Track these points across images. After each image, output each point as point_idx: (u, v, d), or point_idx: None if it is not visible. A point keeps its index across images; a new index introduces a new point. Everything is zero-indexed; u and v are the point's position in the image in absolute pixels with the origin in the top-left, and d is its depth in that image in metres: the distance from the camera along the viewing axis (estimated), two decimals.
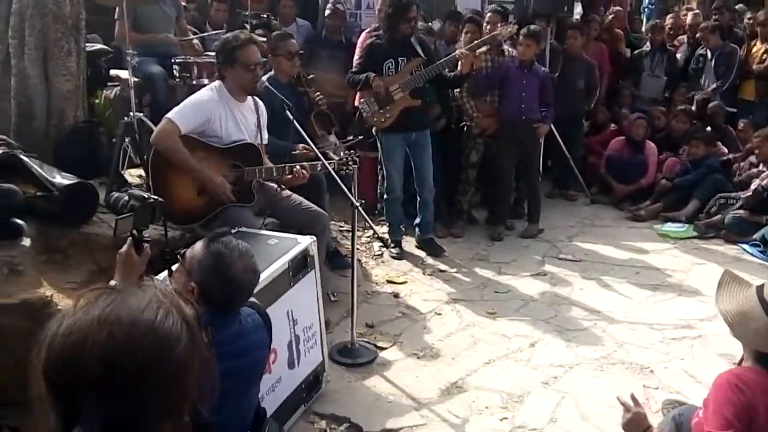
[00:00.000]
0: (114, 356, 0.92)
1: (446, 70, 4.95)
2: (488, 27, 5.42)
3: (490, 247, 5.45)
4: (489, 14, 5.61)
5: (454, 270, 4.97)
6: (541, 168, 6.21)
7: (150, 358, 0.95)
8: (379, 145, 5.14)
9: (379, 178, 5.57)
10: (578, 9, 7.56)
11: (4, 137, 3.91)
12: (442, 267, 5.01)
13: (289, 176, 3.72)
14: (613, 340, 4.01)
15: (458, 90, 5.53)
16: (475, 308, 4.39)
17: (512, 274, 4.94)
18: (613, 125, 7.08)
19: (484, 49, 5.10)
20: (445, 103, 5.59)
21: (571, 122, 6.43)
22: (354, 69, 5.04)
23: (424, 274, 4.90)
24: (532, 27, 5.49)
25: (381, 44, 4.91)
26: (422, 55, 4.86)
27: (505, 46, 5.59)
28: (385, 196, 5.23)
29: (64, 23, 4.21)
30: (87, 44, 4.57)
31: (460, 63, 4.90)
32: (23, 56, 4.16)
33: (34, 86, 4.17)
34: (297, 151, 4.16)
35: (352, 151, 3.91)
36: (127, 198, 2.25)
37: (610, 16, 7.52)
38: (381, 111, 4.89)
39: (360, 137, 4.89)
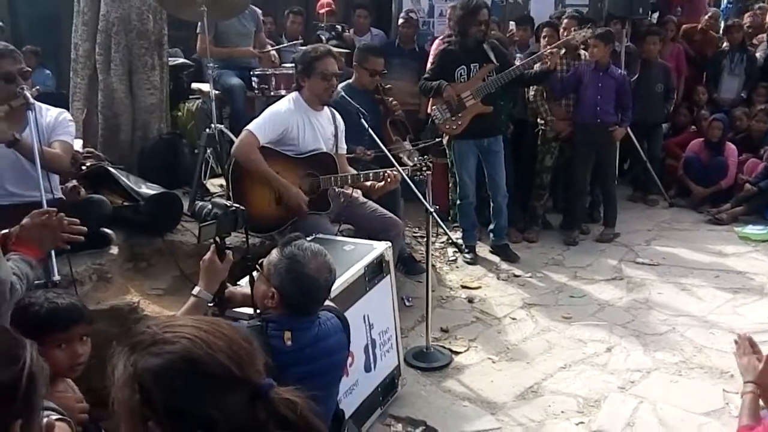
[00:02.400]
0: (233, 347, 1.05)
1: (524, 71, 4.91)
2: (565, 33, 5.36)
3: (565, 251, 5.36)
4: (566, 20, 5.53)
5: (529, 275, 4.91)
6: (617, 172, 6.07)
7: (249, 343, 1.08)
8: (451, 152, 5.12)
9: (450, 185, 5.57)
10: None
11: (93, 150, 4.13)
12: (517, 272, 4.96)
13: (381, 183, 3.74)
14: (691, 345, 3.91)
15: (533, 94, 5.46)
16: (551, 313, 4.34)
17: (588, 278, 4.86)
18: (693, 127, 6.87)
19: (561, 52, 5.04)
20: (515, 105, 5.55)
21: (650, 126, 6.30)
22: (426, 76, 5.06)
23: (498, 279, 4.87)
24: (601, 29, 5.39)
25: (453, 50, 4.91)
26: (495, 61, 4.82)
27: (582, 51, 5.49)
28: (458, 202, 5.21)
29: (148, 39, 4.41)
30: (169, 59, 4.76)
31: (548, 59, 4.88)
32: (109, 72, 4.39)
33: (120, 100, 4.38)
34: (353, 154, 4.17)
35: (426, 156, 3.92)
36: (210, 206, 2.32)
37: (706, 16, 7.30)
38: (453, 118, 4.89)
39: (431, 141, 4.90)
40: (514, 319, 4.28)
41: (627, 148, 6.10)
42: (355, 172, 3.91)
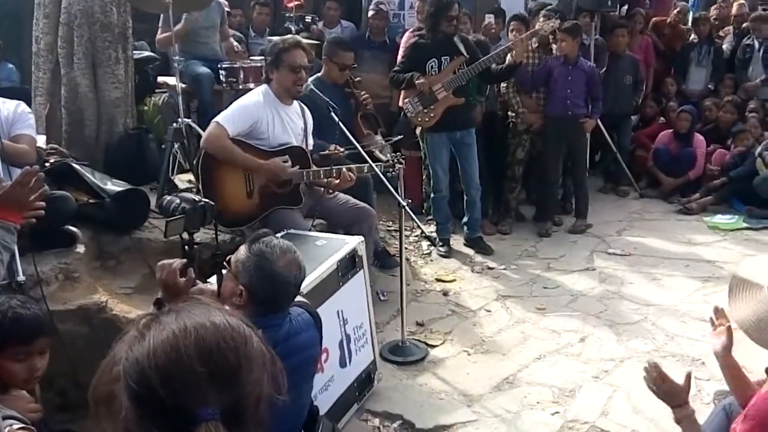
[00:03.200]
0: (211, 351, 0.98)
1: (493, 65, 4.91)
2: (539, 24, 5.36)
3: (538, 243, 5.39)
4: (542, 17, 5.52)
5: (503, 267, 4.92)
6: (588, 163, 6.11)
7: (238, 344, 1.01)
8: (423, 144, 5.11)
9: (424, 177, 5.56)
10: None
11: (56, 146, 4.01)
12: (491, 264, 4.96)
13: (337, 180, 3.71)
14: (663, 333, 3.97)
15: (504, 86, 5.47)
16: (525, 304, 4.36)
17: (561, 269, 4.89)
18: (662, 119, 6.96)
19: (528, 44, 5.05)
20: (486, 97, 5.56)
21: (619, 117, 6.38)
22: (397, 69, 5.04)
23: (472, 271, 4.87)
24: (567, 22, 5.42)
25: (424, 44, 4.90)
26: (465, 53, 4.82)
27: (553, 45, 5.51)
28: (431, 195, 5.20)
29: (112, 32, 4.29)
30: (135, 52, 4.65)
31: (513, 52, 4.89)
32: (72, 65, 4.26)
33: (84, 95, 4.26)
34: (327, 151, 4.11)
35: (399, 153, 3.90)
36: (178, 201, 2.24)
37: (675, 11, 7.40)
38: (425, 110, 4.87)
39: (402, 136, 4.87)
40: (488, 311, 4.28)
41: (597, 139, 6.15)
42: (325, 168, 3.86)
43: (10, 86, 5.95)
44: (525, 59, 5.18)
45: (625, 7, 7.10)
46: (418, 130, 5.14)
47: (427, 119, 4.89)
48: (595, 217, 5.75)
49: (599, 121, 5.76)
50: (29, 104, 4.14)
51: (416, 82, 4.77)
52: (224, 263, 2.21)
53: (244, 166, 3.63)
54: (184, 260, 2.07)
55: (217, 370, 0.97)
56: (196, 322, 1.00)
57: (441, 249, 5.11)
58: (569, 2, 6.47)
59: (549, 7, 5.72)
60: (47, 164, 3.64)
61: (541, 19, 5.40)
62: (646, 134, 6.84)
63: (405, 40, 5.72)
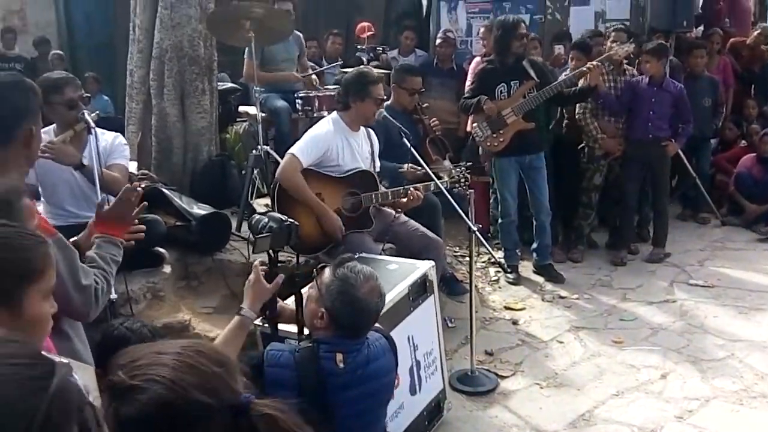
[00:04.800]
0: (206, 379, 1.09)
1: (565, 89, 4.89)
2: (611, 45, 5.31)
3: (612, 272, 5.24)
4: (613, 33, 5.48)
5: (576, 296, 4.82)
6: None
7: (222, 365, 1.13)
8: (492, 169, 5.12)
9: (491, 202, 5.55)
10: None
11: (147, 172, 4.29)
12: (563, 293, 4.87)
13: (405, 199, 3.79)
14: (752, 372, 3.75)
15: (580, 111, 5.41)
16: (600, 336, 4.23)
17: (638, 300, 4.73)
18: (743, 142, 6.69)
19: (603, 68, 5.03)
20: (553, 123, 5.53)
21: (698, 141, 6.16)
22: (466, 94, 5.07)
23: (543, 300, 4.79)
24: (652, 43, 5.32)
25: (492, 69, 4.91)
26: (535, 77, 4.81)
27: (627, 66, 5.44)
28: (499, 221, 5.16)
29: (199, 65, 4.57)
30: (218, 83, 4.90)
31: (588, 76, 4.86)
32: (163, 96, 4.56)
33: (173, 124, 4.54)
34: (403, 170, 4.22)
35: (463, 168, 3.93)
36: (266, 219, 2.38)
37: (755, 33, 7.15)
38: (494, 135, 4.87)
39: (471, 162, 4.90)
40: (561, 342, 4.18)
41: (675, 164, 5.96)
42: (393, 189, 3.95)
43: (105, 116, 6.35)
44: (599, 84, 5.12)
45: (701, 27, 6.94)
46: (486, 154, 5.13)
47: (496, 143, 4.89)
48: (674, 245, 5.56)
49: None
50: (123, 133, 4.46)
51: (484, 106, 4.80)
52: (304, 285, 2.31)
53: (310, 206, 3.75)
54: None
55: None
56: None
57: (510, 276, 5.06)
58: (642, 23, 6.40)
59: (618, 27, 5.62)
60: (139, 189, 3.88)
61: (611, 38, 5.35)
62: (727, 158, 6.60)
63: (473, 67, 5.78)
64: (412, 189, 3.79)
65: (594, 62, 4.94)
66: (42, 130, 2.37)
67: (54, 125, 3.29)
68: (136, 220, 2.35)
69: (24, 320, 1.29)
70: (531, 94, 4.80)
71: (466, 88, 5.26)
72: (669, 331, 4.27)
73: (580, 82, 4.99)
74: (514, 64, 4.82)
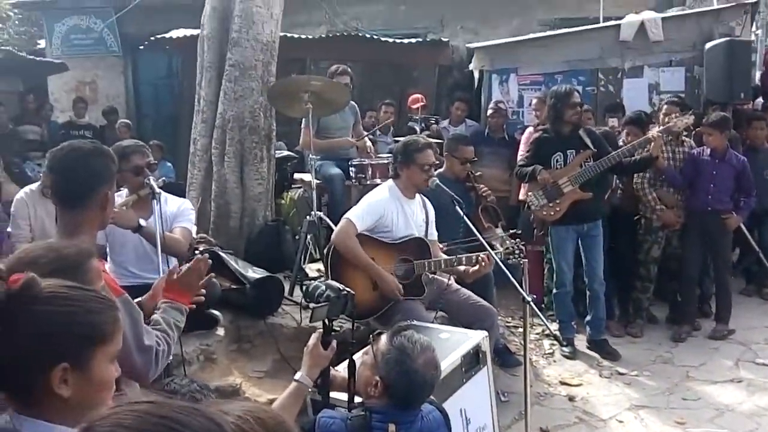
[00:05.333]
0: None
1: (624, 159, 4.85)
2: (665, 118, 5.29)
3: (673, 348, 5.05)
4: (666, 105, 5.46)
5: (635, 373, 4.63)
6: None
7: None
8: (548, 238, 5.06)
9: (545, 272, 5.47)
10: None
11: (205, 235, 4.42)
12: (621, 369, 4.69)
13: (475, 267, 3.75)
14: None
15: (638, 181, 5.34)
16: (662, 416, 4.04)
17: (702, 379, 4.52)
18: None
19: (663, 139, 4.98)
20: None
21: (760, 214, 5.97)
22: (521, 162, 5.08)
23: (600, 376, 4.62)
24: (714, 116, 5.26)
25: (548, 138, 4.92)
26: (592, 147, 4.80)
27: (685, 138, 5.38)
28: (554, 291, 5.07)
29: (259, 134, 4.76)
30: (276, 151, 5.06)
31: (651, 145, 4.82)
32: (223, 164, 4.74)
33: (232, 190, 4.70)
34: (446, 244, 4.19)
35: (518, 240, 3.90)
36: (323, 288, 2.39)
37: None
38: (550, 204, 4.85)
39: (521, 231, 4.85)
40: (620, 421, 4.01)
41: (737, 238, 5.79)
42: (446, 257, 3.93)
43: (168, 182, 6.59)
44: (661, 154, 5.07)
45: (760, 99, 6.85)
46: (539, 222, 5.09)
47: (552, 213, 4.85)
48: (738, 321, 5.33)
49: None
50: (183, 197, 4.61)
51: (538, 177, 4.79)
52: (354, 352, 2.30)
53: (365, 269, 3.76)
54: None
55: None
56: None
57: (565, 350, 4.92)
58: (698, 95, 6.36)
59: (671, 99, 5.59)
60: (197, 252, 3.98)
61: (664, 110, 5.32)
62: None
63: (526, 137, 5.82)
64: (482, 255, 3.74)
65: (655, 132, 4.91)
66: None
67: (125, 190, 3.45)
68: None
69: (91, 382, 1.31)
70: (588, 163, 4.78)
71: (520, 157, 5.28)
72: (736, 413, 4.05)
73: (637, 154, 4.93)
74: (570, 133, 4.83)
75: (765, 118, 6.23)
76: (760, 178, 5.91)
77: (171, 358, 2.96)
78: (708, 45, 6.11)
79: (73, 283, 1.38)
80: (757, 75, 7.35)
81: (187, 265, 2.41)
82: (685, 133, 5.33)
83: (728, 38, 6.08)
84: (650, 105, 6.42)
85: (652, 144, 4.82)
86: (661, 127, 5.09)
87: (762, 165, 5.98)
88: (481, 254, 3.72)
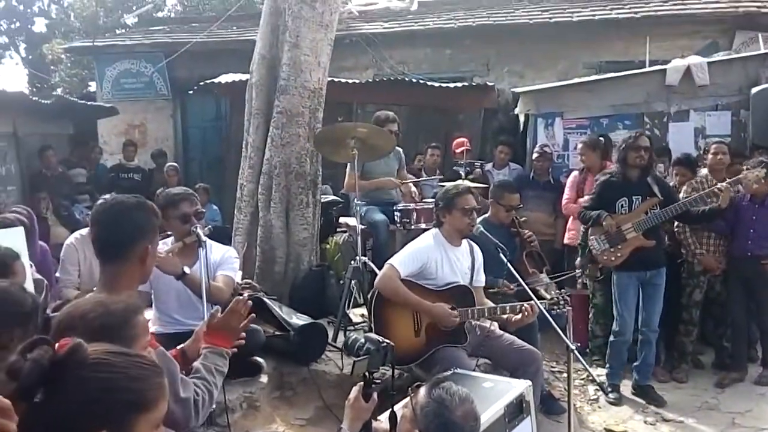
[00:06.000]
0: None
1: (693, 208, 4.83)
2: (715, 158, 5.24)
3: (719, 394, 4.95)
4: (714, 146, 5.37)
5: (681, 419, 4.56)
6: None
7: None
8: (612, 284, 4.98)
9: (590, 316, 5.42)
10: None
11: (250, 281, 4.50)
12: (667, 415, 4.62)
13: (518, 316, 3.77)
14: None
15: (680, 225, 5.29)
16: None
17: (748, 426, 4.43)
18: None
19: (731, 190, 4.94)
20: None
21: None
22: (586, 204, 5.05)
23: (645, 422, 4.56)
24: (756, 161, 5.13)
25: (614, 182, 4.87)
26: (659, 195, 4.77)
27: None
28: (611, 339, 4.96)
29: (305, 179, 4.87)
30: (321, 195, 5.16)
31: (720, 197, 4.78)
32: (269, 209, 4.85)
33: (277, 235, 4.79)
34: (496, 289, 4.19)
35: (563, 290, 3.89)
36: (363, 340, 2.46)
37: None
38: (611, 249, 4.80)
39: (568, 273, 4.84)
40: None
41: None
42: (492, 304, 3.95)
43: (214, 226, 6.74)
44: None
45: None
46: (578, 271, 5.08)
47: (613, 258, 4.80)
48: None
49: None
50: (229, 242, 4.74)
51: (603, 223, 4.75)
52: (396, 401, 2.34)
53: (414, 308, 3.81)
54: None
55: None
56: None
57: (611, 396, 4.85)
58: (744, 139, 6.29)
59: (718, 140, 5.55)
60: (241, 297, 4.07)
61: (712, 150, 5.26)
62: None
63: (572, 180, 5.83)
64: (526, 305, 3.75)
65: (725, 183, 4.86)
66: (161, 241, 2.57)
67: (171, 237, 3.54)
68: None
69: None
70: (654, 210, 4.74)
71: (586, 198, 5.24)
72: None
73: (706, 203, 4.89)
74: (637, 179, 4.80)
75: None
76: None
77: (214, 406, 3.06)
78: (754, 90, 6.10)
79: (119, 349, 1.40)
80: None
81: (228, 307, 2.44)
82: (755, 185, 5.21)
83: None
84: (696, 149, 6.37)
85: (722, 195, 4.77)
86: (732, 178, 5.01)
87: None
88: (525, 304, 3.73)
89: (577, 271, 5.53)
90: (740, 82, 6.41)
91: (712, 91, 6.46)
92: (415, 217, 5.07)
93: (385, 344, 2.44)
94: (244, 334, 2.49)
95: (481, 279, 4.10)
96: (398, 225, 5.18)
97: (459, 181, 4.49)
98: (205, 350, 2.34)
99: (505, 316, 3.84)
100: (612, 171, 4.98)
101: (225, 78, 8.11)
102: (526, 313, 3.73)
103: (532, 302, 3.70)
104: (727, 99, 6.45)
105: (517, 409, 3.18)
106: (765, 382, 5.05)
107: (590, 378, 4.84)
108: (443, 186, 4.41)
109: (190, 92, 9.30)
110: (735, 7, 8.17)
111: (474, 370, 3.65)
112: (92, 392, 1.28)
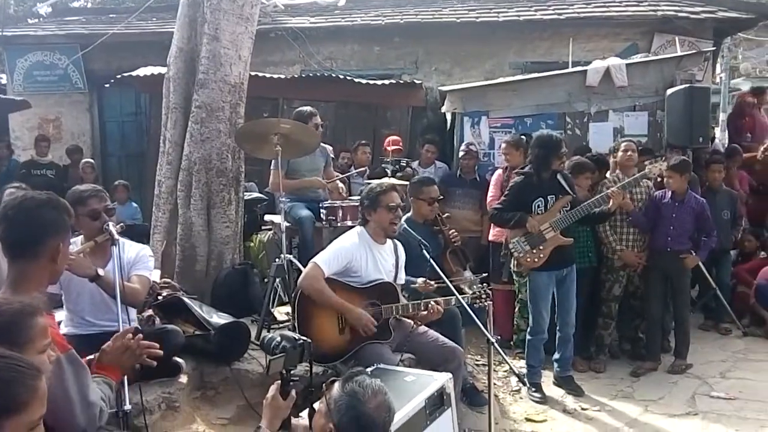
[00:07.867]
0: None
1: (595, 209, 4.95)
2: (625, 155, 5.43)
3: (634, 383, 5.17)
4: (623, 144, 5.56)
5: (597, 408, 4.73)
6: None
7: None
8: (526, 284, 5.08)
9: (516, 311, 5.55)
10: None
11: (169, 280, 4.37)
12: (584, 405, 4.78)
13: (424, 312, 3.83)
14: None
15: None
16: None
17: (660, 413, 4.63)
18: (762, 253, 6.74)
19: (624, 193, 5.10)
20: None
21: (717, 253, 6.19)
22: (499, 205, 4.99)
23: (564, 411, 4.70)
24: (674, 159, 5.42)
25: (530, 183, 4.87)
26: (570, 192, 4.88)
27: (645, 181, 5.52)
28: (529, 338, 5.02)
29: (226, 176, 4.76)
30: (245, 193, 5.06)
31: (611, 200, 4.91)
32: (189, 206, 4.71)
33: (198, 233, 4.67)
34: (416, 285, 4.24)
35: (484, 284, 3.97)
36: (279, 339, 2.41)
37: (762, 147, 7.28)
38: (533, 251, 4.83)
39: (486, 274, 4.88)
40: None
41: (695, 275, 5.97)
42: (405, 301, 3.98)
43: (132, 223, 6.53)
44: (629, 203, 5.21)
45: (717, 141, 7.11)
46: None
47: (536, 259, 4.83)
48: (696, 356, 5.48)
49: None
50: (148, 240, 4.58)
51: (529, 225, 4.77)
52: (317, 398, 2.32)
53: (336, 309, 3.80)
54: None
55: None
56: None
57: (535, 395, 4.90)
58: (659, 139, 6.56)
59: (626, 140, 5.73)
60: (160, 297, 3.96)
61: (621, 148, 5.45)
62: (747, 269, 6.60)
63: (496, 178, 5.94)
64: (432, 303, 3.82)
65: (615, 188, 4.99)
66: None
67: (81, 236, 3.37)
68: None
69: None
70: (566, 209, 4.83)
71: (491, 197, 5.32)
72: None
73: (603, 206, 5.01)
74: (549, 178, 4.86)
75: (722, 161, 6.48)
76: (718, 219, 6.14)
77: (130, 406, 2.86)
78: (669, 91, 6.31)
79: None
80: (721, 116, 7.60)
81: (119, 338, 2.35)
82: (659, 178, 5.47)
83: (688, 84, 6.28)
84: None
85: (613, 199, 4.90)
86: (629, 179, 5.20)
87: (720, 206, 6.22)
88: (431, 301, 3.82)
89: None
90: (657, 84, 6.61)
91: (631, 92, 6.67)
92: (341, 214, 5.05)
93: (301, 341, 2.41)
94: (157, 344, 2.43)
95: (402, 277, 4.13)
96: (324, 222, 5.14)
97: (384, 179, 4.47)
98: (96, 378, 2.25)
99: (425, 313, 3.87)
100: (526, 172, 4.97)
101: (143, 71, 7.82)
102: (432, 311, 3.80)
103: (440, 301, 3.80)
104: (645, 100, 6.67)
105: (438, 402, 3.23)
106: (677, 371, 5.28)
107: (514, 372, 4.93)
108: (369, 183, 4.41)
109: (107, 85, 8.94)
110: (654, 11, 8.47)
111: (398, 365, 3.68)
112: None
